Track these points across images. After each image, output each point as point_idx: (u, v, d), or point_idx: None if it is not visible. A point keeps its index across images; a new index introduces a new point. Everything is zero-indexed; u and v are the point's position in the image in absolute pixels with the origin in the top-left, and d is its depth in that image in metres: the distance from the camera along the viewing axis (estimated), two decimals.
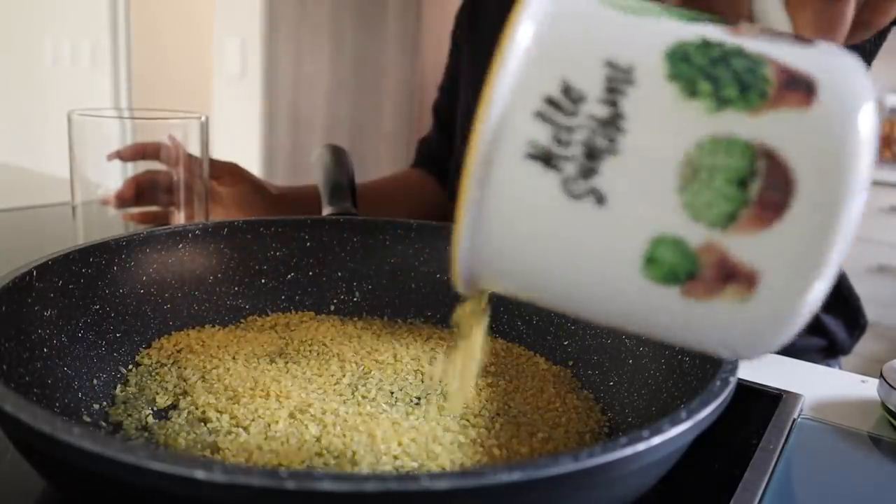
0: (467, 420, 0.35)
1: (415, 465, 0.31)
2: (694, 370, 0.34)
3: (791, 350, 0.54)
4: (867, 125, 0.19)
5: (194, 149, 0.55)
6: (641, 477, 0.26)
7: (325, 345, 0.42)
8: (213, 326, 0.45)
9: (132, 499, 0.22)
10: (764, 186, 0.19)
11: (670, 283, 0.20)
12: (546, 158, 0.20)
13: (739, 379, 0.30)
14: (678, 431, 0.24)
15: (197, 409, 0.34)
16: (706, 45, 0.20)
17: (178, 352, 0.41)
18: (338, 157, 0.63)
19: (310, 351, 0.41)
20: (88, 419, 0.34)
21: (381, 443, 0.32)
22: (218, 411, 0.34)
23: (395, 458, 0.31)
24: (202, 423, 0.33)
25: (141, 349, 0.41)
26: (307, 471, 0.23)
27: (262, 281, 0.48)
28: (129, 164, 0.55)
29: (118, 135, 0.54)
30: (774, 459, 0.35)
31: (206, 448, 0.31)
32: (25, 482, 0.31)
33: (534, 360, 0.43)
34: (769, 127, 0.19)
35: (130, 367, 0.39)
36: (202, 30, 3.04)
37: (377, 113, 2.44)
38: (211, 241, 0.47)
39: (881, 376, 0.41)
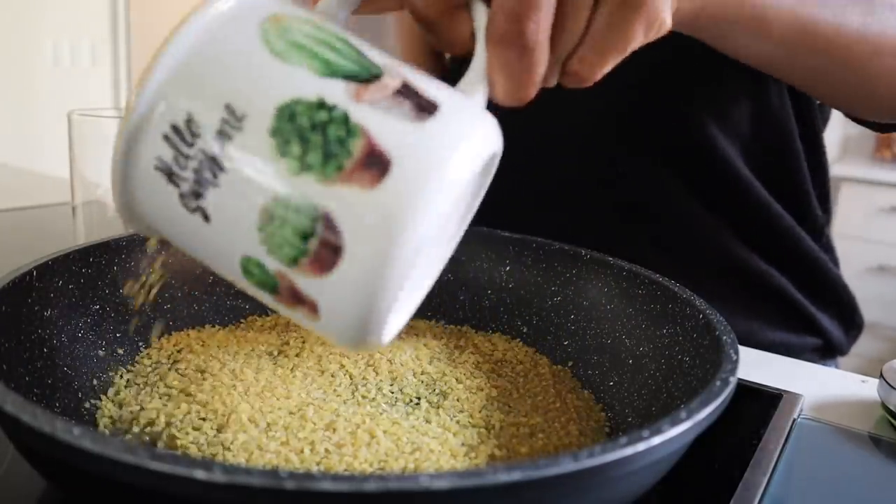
0: (467, 420, 0.35)
1: (414, 464, 0.31)
2: (694, 370, 0.34)
3: (787, 350, 0.54)
4: (427, 216, 0.22)
5: None
6: (641, 477, 0.26)
7: (324, 345, 0.42)
8: (213, 326, 0.45)
9: (132, 499, 0.22)
10: (319, 245, 0.22)
11: (264, 290, 0.25)
12: (169, 174, 0.23)
13: (739, 379, 0.30)
14: (678, 431, 0.24)
15: (197, 409, 0.34)
16: (319, 106, 0.22)
17: (178, 352, 0.41)
18: None
19: (310, 351, 0.41)
20: (88, 419, 0.34)
21: (381, 443, 0.32)
22: (218, 411, 0.34)
23: (395, 458, 0.31)
24: (202, 423, 0.33)
25: (141, 349, 0.41)
26: (307, 471, 0.23)
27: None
28: None
29: None
30: (774, 459, 0.35)
31: (206, 448, 0.31)
32: (25, 482, 0.31)
33: (534, 360, 0.43)
34: (335, 198, 0.22)
35: (130, 367, 0.39)
36: None
37: None
38: None
39: (881, 376, 0.41)
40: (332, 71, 0.23)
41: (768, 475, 0.33)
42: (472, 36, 0.27)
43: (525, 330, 0.46)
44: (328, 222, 0.22)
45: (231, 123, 0.22)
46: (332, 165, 0.22)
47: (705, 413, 0.26)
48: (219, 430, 0.32)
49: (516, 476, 0.20)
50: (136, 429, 0.33)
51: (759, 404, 0.40)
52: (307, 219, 0.22)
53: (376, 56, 0.25)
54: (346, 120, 0.22)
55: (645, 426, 0.24)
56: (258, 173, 0.22)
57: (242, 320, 0.47)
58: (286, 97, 0.23)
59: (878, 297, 2.09)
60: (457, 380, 0.39)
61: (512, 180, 0.69)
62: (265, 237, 0.23)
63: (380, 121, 0.22)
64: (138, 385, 0.37)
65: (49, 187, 1.04)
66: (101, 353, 0.38)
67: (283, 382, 0.37)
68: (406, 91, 0.23)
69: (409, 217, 0.22)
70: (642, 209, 0.61)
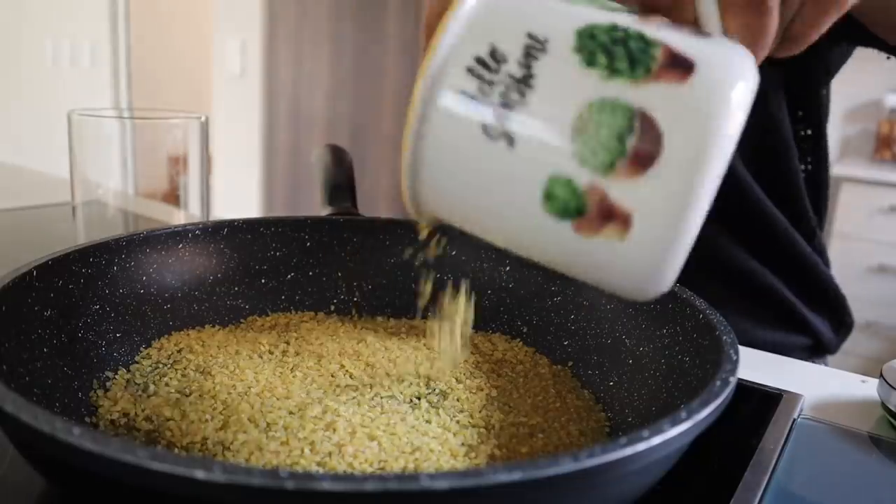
0: (467, 420, 0.35)
1: (414, 464, 0.31)
2: (694, 370, 0.34)
3: (777, 348, 0.54)
4: (731, 104, 0.23)
5: (194, 149, 0.55)
6: (641, 477, 0.26)
7: (324, 345, 0.42)
8: (213, 326, 0.45)
9: (132, 499, 0.22)
10: (638, 141, 0.23)
11: (564, 218, 0.24)
12: (471, 105, 0.24)
13: (739, 379, 0.30)
14: (678, 431, 0.24)
15: (197, 409, 0.34)
16: (613, 28, 0.25)
17: (178, 352, 0.41)
18: (338, 157, 0.63)
19: (310, 351, 0.41)
20: (88, 419, 0.34)
21: (381, 443, 0.32)
22: (218, 411, 0.34)
23: (395, 458, 0.31)
24: (202, 423, 0.33)
25: (141, 349, 0.41)
26: (307, 471, 0.23)
27: (262, 281, 0.48)
28: (129, 164, 0.55)
29: (118, 135, 0.54)
30: (774, 459, 0.35)
31: (206, 448, 0.31)
32: (25, 482, 0.31)
33: (534, 360, 0.43)
34: (647, 96, 0.23)
35: (130, 367, 0.39)
36: (202, 30, 3.04)
37: (377, 113, 2.44)
38: (211, 241, 0.47)
39: (881, 376, 0.41)
40: (613, 8, 0.26)
41: (768, 475, 0.33)
42: (696, 19, 0.28)
43: (525, 330, 0.46)
44: (644, 118, 0.23)
45: (535, 46, 0.24)
46: (640, 68, 0.24)
47: (705, 413, 0.26)
48: (219, 430, 0.32)
49: (516, 476, 0.20)
50: (136, 429, 0.33)
51: (759, 404, 0.40)
52: (623, 118, 0.23)
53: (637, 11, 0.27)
54: (642, 36, 0.24)
55: (645, 426, 0.24)
56: (569, 85, 0.24)
57: (242, 320, 0.47)
58: (582, 23, 0.25)
59: (878, 297, 2.09)
60: (457, 380, 0.39)
61: None
62: (578, 147, 0.23)
63: (672, 36, 0.24)
64: (138, 385, 0.37)
65: (49, 187, 1.04)
66: (101, 352, 0.38)
67: (283, 382, 0.37)
68: (678, 25, 0.26)
69: (720, 106, 0.23)
70: None
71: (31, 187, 1.08)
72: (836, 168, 2.07)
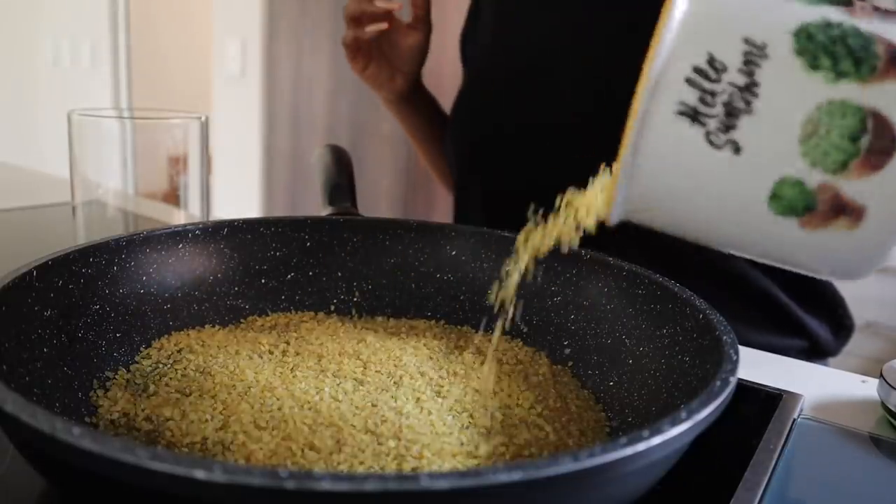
0: (468, 420, 0.35)
1: (414, 463, 0.31)
2: (694, 370, 0.34)
3: (772, 351, 0.54)
4: None
5: (194, 149, 0.55)
6: (641, 477, 0.26)
7: (324, 345, 0.42)
8: (213, 326, 0.45)
9: (132, 499, 0.22)
10: (872, 141, 0.24)
11: (789, 215, 0.25)
12: (693, 115, 0.25)
13: (739, 379, 0.30)
14: (678, 431, 0.24)
15: (197, 409, 0.34)
16: (827, 25, 0.24)
17: (178, 352, 0.41)
18: (338, 157, 0.63)
19: (310, 351, 0.41)
20: (88, 419, 0.34)
21: (382, 442, 0.32)
22: (218, 411, 0.34)
23: (395, 457, 0.31)
24: (202, 423, 0.33)
25: (141, 349, 0.41)
26: (307, 471, 0.23)
27: (262, 281, 0.48)
28: (129, 164, 0.55)
29: (118, 135, 0.54)
30: (774, 459, 0.34)
31: (206, 448, 0.31)
32: (25, 482, 0.31)
33: (534, 360, 0.43)
34: (877, 94, 0.24)
35: (130, 367, 0.39)
36: (202, 30, 3.03)
37: (377, 113, 2.44)
38: (211, 241, 0.47)
39: (881, 376, 0.41)
40: (817, 2, 0.26)
41: (768, 475, 0.33)
42: None
43: (525, 330, 0.46)
44: (877, 118, 0.24)
45: (755, 53, 0.24)
46: (865, 68, 0.24)
47: (705, 413, 0.26)
48: (219, 430, 0.32)
49: (516, 476, 0.20)
50: (136, 429, 0.33)
51: (759, 404, 0.40)
52: (855, 120, 0.24)
53: None
54: (857, 31, 0.24)
55: (645, 426, 0.24)
56: (795, 90, 0.24)
57: (242, 320, 0.47)
58: (796, 23, 0.25)
59: (878, 297, 2.09)
60: (458, 380, 0.39)
61: (509, 181, 0.69)
62: (808, 149, 0.24)
63: (887, 28, 0.24)
64: (138, 385, 0.37)
65: (49, 187, 1.04)
66: (101, 352, 0.38)
67: (283, 382, 0.37)
68: (883, 10, 0.26)
69: None
70: None
71: (31, 187, 1.08)
72: None
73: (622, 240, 0.61)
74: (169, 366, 0.39)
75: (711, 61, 0.25)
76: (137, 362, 0.40)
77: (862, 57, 0.24)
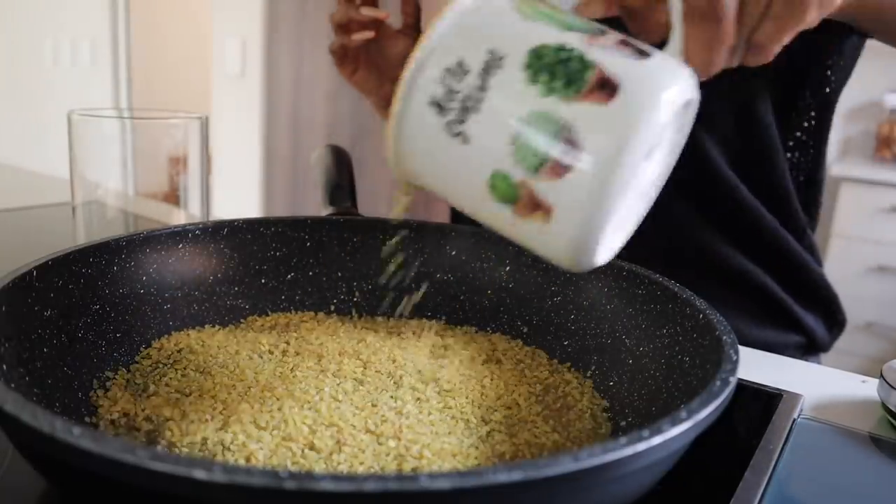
0: (467, 419, 0.35)
1: (414, 463, 0.31)
2: (694, 370, 0.34)
3: (771, 347, 0.55)
4: (649, 127, 0.27)
5: (194, 148, 0.55)
6: (641, 477, 0.26)
7: (324, 345, 0.42)
8: (213, 326, 0.45)
9: (132, 499, 0.22)
10: (560, 151, 0.27)
11: (505, 203, 0.29)
12: (439, 106, 0.29)
13: (739, 379, 0.30)
14: (678, 431, 0.24)
15: (196, 409, 0.34)
16: (560, 48, 0.28)
17: (178, 352, 0.41)
18: (338, 157, 0.63)
19: (310, 351, 0.41)
20: (88, 419, 0.34)
21: (381, 442, 0.32)
22: (218, 411, 0.34)
23: (395, 457, 0.31)
24: (202, 423, 0.33)
25: (141, 349, 0.41)
26: (307, 471, 0.23)
27: (262, 281, 0.48)
28: (129, 164, 0.55)
29: (118, 135, 0.54)
30: (774, 459, 0.35)
31: (206, 448, 0.31)
32: (25, 482, 0.31)
33: (534, 360, 0.43)
34: (575, 113, 0.27)
35: (130, 367, 0.39)
36: (202, 30, 3.03)
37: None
38: (211, 241, 0.47)
39: (881, 376, 0.41)
40: (568, 27, 0.29)
41: (768, 475, 0.33)
42: (667, 24, 0.32)
43: (525, 330, 0.46)
44: (568, 131, 0.27)
45: (493, 62, 0.29)
46: (572, 88, 0.28)
47: (705, 413, 0.26)
48: (219, 430, 0.32)
49: (516, 476, 0.20)
50: (136, 429, 0.33)
51: (759, 404, 0.40)
52: (552, 130, 0.27)
53: (599, 26, 0.31)
54: (582, 58, 0.28)
55: (645, 426, 0.24)
56: (515, 97, 0.28)
57: (242, 320, 0.47)
58: (535, 43, 0.29)
59: (878, 297, 2.09)
60: (457, 379, 0.39)
61: None
62: (514, 149, 0.28)
63: (609, 59, 0.28)
64: (138, 385, 0.37)
65: (49, 187, 1.04)
66: (101, 353, 0.38)
67: (283, 382, 0.37)
68: (626, 42, 0.29)
69: (633, 126, 0.27)
70: None
71: (31, 187, 1.08)
72: (836, 168, 2.07)
73: (630, 238, 0.61)
74: (169, 366, 0.39)
75: (460, 64, 0.29)
76: (137, 362, 0.40)
77: (573, 79, 0.28)
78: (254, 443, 0.31)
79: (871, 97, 2.25)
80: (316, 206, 0.58)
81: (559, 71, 0.28)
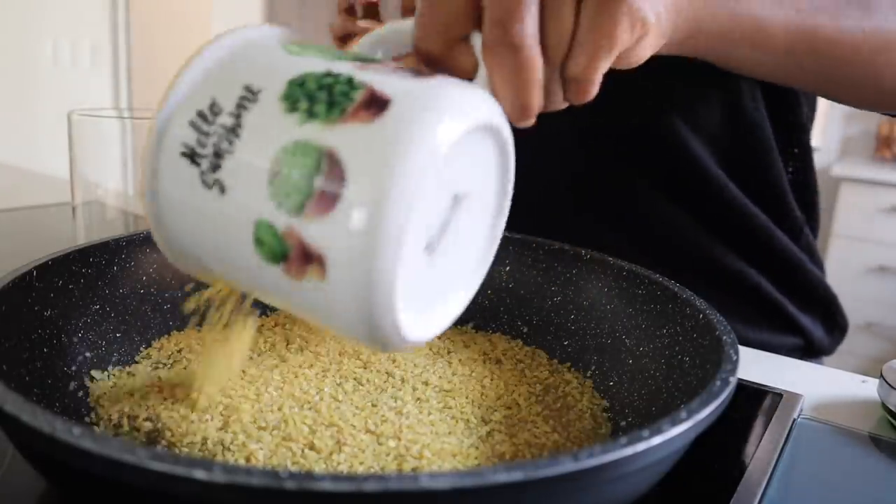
0: (468, 419, 0.35)
1: (414, 463, 0.31)
2: (694, 370, 0.34)
3: (767, 349, 0.54)
4: (422, 146, 0.23)
5: None
6: (642, 477, 0.26)
7: (324, 345, 0.42)
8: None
9: (132, 499, 0.22)
10: (323, 181, 0.23)
11: (274, 263, 0.25)
12: (192, 156, 0.25)
13: (739, 379, 0.30)
14: (678, 431, 0.24)
15: (197, 409, 0.34)
16: (326, 74, 0.25)
17: (178, 352, 0.41)
18: None
19: (310, 351, 0.41)
20: (88, 419, 0.34)
21: (381, 442, 0.32)
22: (218, 411, 0.34)
23: (395, 457, 0.31)
24: (202, 423, 0.33)
25: (141, 349, 0.41)
26: (307, 471, 0.23)
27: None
28: (129, 164, 0.55)
29: (118, 135, 0.54)
30: (774, 459, 0.35)
31: (206, 448, 0.31)
32: (25, 482, 0.31)
33: (534, 360, 0.43)
34: (337, 136, 0.23)
35: (130, 367, 0.39)
36: (202, 30, 3.03)
37: None
38: None
39: (881, 376, 0.41)
40: (339, 57, 0.26)
41: (768, 475, 0.33)
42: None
43: (525, 330, 0.46)
44: (331, 158, 0.23)
45: (248, 98, 0.25)
46: (335, 111, 0.24)
47: (705, 413, 0.26)
48: (219, 430, 0.32)
49: (516, 476, 0.20)
50: (136, 429, 0.33)
51: (759, 404, 0.41)
52: (312, 160, 0.24)
53: (382, 59, 0.28)
54: (350, 80, 0.25)
55: (645, 426, 0.24)
56: (268, 131, 0.24)
57: None
58: (298, 72, 0.25)
59: (878, 297, 2.09)
60: (457, 379, 0.39)
61: None
62: (274, 190, 0.24)
63: (382, 78, 0.25)
64: (138, 385, 0.37)
65: (49, 187, 1.04)
66: (101, 352, 0.38)
67: (283, 382, 0.37)
68: (405, 68, 0.26)
69: (406, 142, 0.23)
70: (616, 210, 0.61)
71: (31, 187, 1.08)
72: (836, 168, 2.07)
73: (610, 238, 0.61)
74: (169, 366, 0.39)
75: (212, 106, 0.25)
76: (137, 362, 0.40)
77: (337, 101, 0.24)
78: (254, 443, 0.31)
79: None
80: None
81: (321, 96, 0.24)
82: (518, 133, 0.29)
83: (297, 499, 0.19)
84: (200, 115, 0.25)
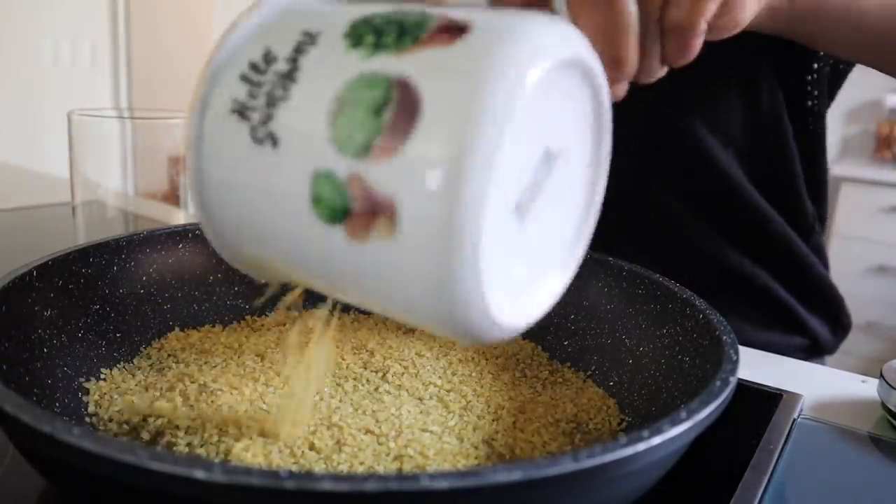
0: (468, 419, 0.35)
1: (414, 463, 0.31)
2: (694, 370, 0.34)
3: (773, 349, 0.54)
4: (507, 65, 0.20)
5: None
6: (641, 477, 0.26)
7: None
8: (214, 326, 0.45)
9: (132, 499, 0.22)
10: (394, 113, 0.20)
11: (334, 222, 0.21)
12: (241, 111, 0.22)
13: (739, 379, 0.30)
14: (678, 431, 0.24)
15: (197, 408, 0.34)
16: (395, 12, 0.22)
17: (179, 352, 0.41)
18: None
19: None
20: (88, 419, 0.34)
21: (382, 442, 0.32)
22: (218, 412, 0.34)
23: (396, 457, 0.31)
24: (202, 424, 0.33)
25: (141, 349, 0.41)
26: (307, 471, 0.23)
27: (263, 280, 0.48)
28: (129, 164, 0.55)
29: (118, 135, 0.54)
30: (774, 459, 0.34)
31: (206, 447, 0.31)
32: (25, 482, 0.31)
33: (534, 360, 0.43)
34: (410, 63, 0.20)
35: (130, 367, 0.39)
36: (202, 30, 3.03)
37: None
38: None
39: (881, 376, 0.41)
40: (404, 3, 0.24)
41: (768, 475, 0.33)
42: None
43: (525, 330, 0.46)
44: (403, 87, 0.20)
45: (306, 42, 0.22)
46: (407, 39, 0.21)
47: (705, 413, 0.26)
48: (219, 431, 0.32)
49: (516, 476, 0.20)
50: (136, 429, 0.33)
51: (759, 404, 0.40)
52: (381, 91, 0.20)
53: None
54: (422, 12, 0.22)
55: (645, 426, 0.24)
56: (329, 69, 0.22)
57: (242, 320, 0.47)
58: (363, 14, 0.23)
59: (878, 297, 2.09)
60: (458, 380, 0.39)
61: None
62: (336, 132, 0.21)
63: (457, 11, 0.22)
64: (138, 385, 0.37)
65: (49, 187, 1.04)
66: (101, 352, 0.38)
67: (283, 382, 0.37)
68: (481, 5, 0.24)
69: (491, 64, 0.20)
70: (630, 210, 0.61)
71: (31, 187, 1.08)
72: (836, 168, 2.07)
73: (622, 240, 0.61)
74: (169, 366, 0.39)
75: (266, 55, 0.22)
76: (137, 362, 0.40)
77: (409, 30, 0.21)
78: (254, 443, 0.31)
79: (871, 97, 2.25)
80: None
81: (390, 28, 0.21)
82: None
83: (297, 499, 0.19)
84: (253, 66, 0.23)
